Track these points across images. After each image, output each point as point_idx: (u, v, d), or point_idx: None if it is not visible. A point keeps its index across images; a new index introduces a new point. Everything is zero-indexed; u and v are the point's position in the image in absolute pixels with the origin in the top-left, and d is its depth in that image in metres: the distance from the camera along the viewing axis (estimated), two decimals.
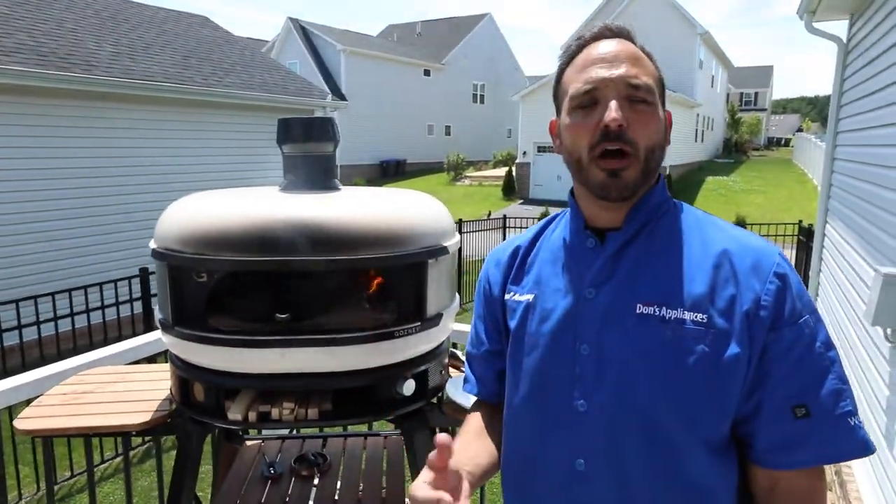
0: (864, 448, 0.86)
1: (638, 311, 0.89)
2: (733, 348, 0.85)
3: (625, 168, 0.89)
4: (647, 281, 0.91)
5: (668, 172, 19.75)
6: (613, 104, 0.88)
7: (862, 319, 3.43)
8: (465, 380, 1.18)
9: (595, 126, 0.89)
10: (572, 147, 0.93)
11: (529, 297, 1.01)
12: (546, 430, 0.96)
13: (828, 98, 5.89)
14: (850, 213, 4.57)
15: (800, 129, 47.51)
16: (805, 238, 8.19)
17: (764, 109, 42.35)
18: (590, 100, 0.90)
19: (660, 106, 0.93)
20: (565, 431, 0.93)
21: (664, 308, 0.88)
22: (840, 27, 5.41)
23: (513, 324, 1.03)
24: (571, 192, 1.02)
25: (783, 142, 41.59)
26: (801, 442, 0.86)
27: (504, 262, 1.09)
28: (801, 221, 9.21)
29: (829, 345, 0.88)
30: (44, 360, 4.14)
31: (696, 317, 0.86)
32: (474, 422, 1.11)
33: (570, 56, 0.97)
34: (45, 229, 6.59)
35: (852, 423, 0.86)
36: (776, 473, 0.89)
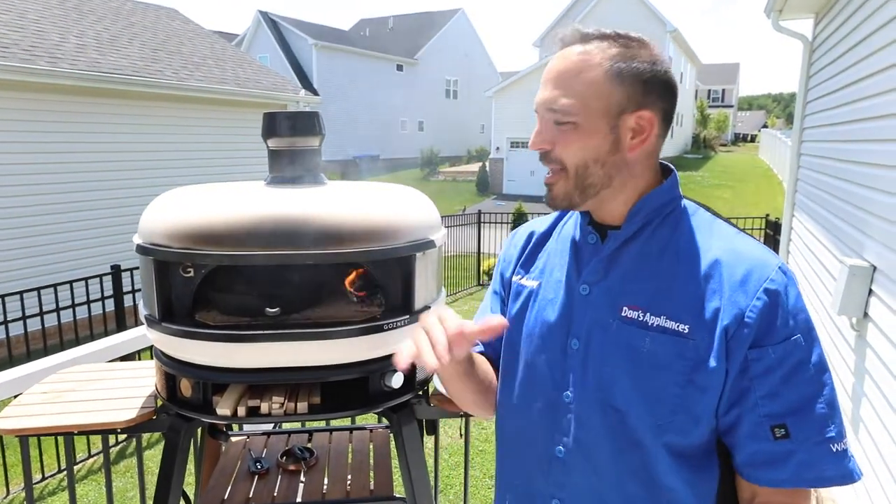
0: (846, 476, 0.85)
1: (623, 313, 0.91)
2: (710, 362, 0.85)
3: (554, 183, 0.94)
4: (636, 284, 0.91)
5: None
6: (534, 131, 0.94)
7: (828, 309, 3.56)
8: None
9: None
10: None
11: (534, 283, 1.03)
12: (535, 416, 0.99)
13: (792, 95, 6.05)
14: (815, 207, 4.71)
15: (765, 126, 48.65)
16: (772, 232, 8.40)
17: (731, 106, 43.23)
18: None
19: (596, 121, 0.89)
20: (551, 419, 0.97)
21: (648, 314, 0.89)
22: (805, 26, 5.56)
23: (514, 307, 1.05)
24: None
25: (749, 138, 42.55)
26: (779, 462, 0.85)
27: (520, 244, 1.11)
28: (768, 215, 9.43)
29: (821, 367, 0.86)
30: (12, 361, 4.04)
31: (677, 326, 0.87)
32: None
33: None
34: (10, 226, 6.40)
35: (835, 450, 0.84)
36: (756, 488, 0.90)
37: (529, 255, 1.08)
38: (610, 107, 0.89)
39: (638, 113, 0.90)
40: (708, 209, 1.00)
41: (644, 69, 0.89)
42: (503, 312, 1.11)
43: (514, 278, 1.08)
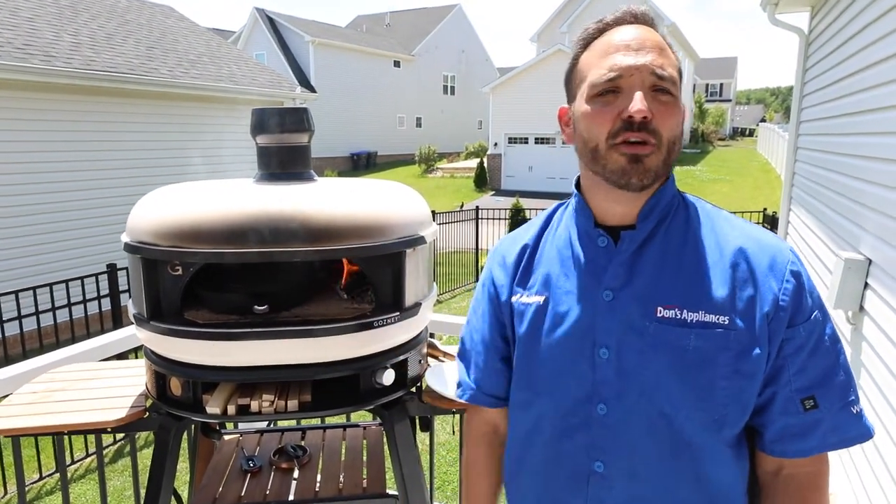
0: (865, 434, 0.90)
1: (658, 314, 0.88)
2: (755, 349, 0.86)
3: (648, 154, 0.86)
4: (666, 282, 0.89)
5: None
6: (639, 94, 0.84)
7: (824, 303, 3.54)
8: (460, 385, 1.14)
9: (616, 115, 0.86)
10: (588, 135, 0.90)
11: (539, 299, 0.98)
12: (564, 434, 0.95)
13: (791, 89, 6.04)
14: (812, 201, 4.70)
15: (763, 120, 48.63)
16: (770, 226, 8.40)
17: (729, 100, 43.17)
18: (612, 88, 0.87)
19: (680, 99, 0.90)
20: (584, 435, 0.93)
21: (685, 311, 0.87)
22: (802, 19, 5.55)
23: (522, 328, 1.00)
24: (577, 185, 0.99)
25: (748, 132, 42.51)
26: (808, 432, 0.88)
27: (510, 262, 1.05)
28: (765, 209, 9.44)
29: (835, 338, 0.90)
30: (8, 361, 4.02)
31: (717, 319, 0.86)
32: (486, 461, 1.14)
33: (587, 41, 0.93)
34: (6, 226, 6.39)
35: (855, 412, 0.89)
36: (783, 460, 0.91)
37: (525, 270, 1.02)
38: (680, 90, 0.90)
39: (682, 103, 0.93)
40: (700, 199, 0.99)
41: (682, 69, 0.93)
42: (502, 344, 1.06)
43: (514, 298, 1.02)
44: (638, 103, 0.84)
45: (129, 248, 1.38)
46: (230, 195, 1.39)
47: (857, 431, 0.89)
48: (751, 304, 0.86)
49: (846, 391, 0.89)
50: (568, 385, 0.94)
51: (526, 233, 1.06)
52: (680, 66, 0.91)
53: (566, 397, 0.94)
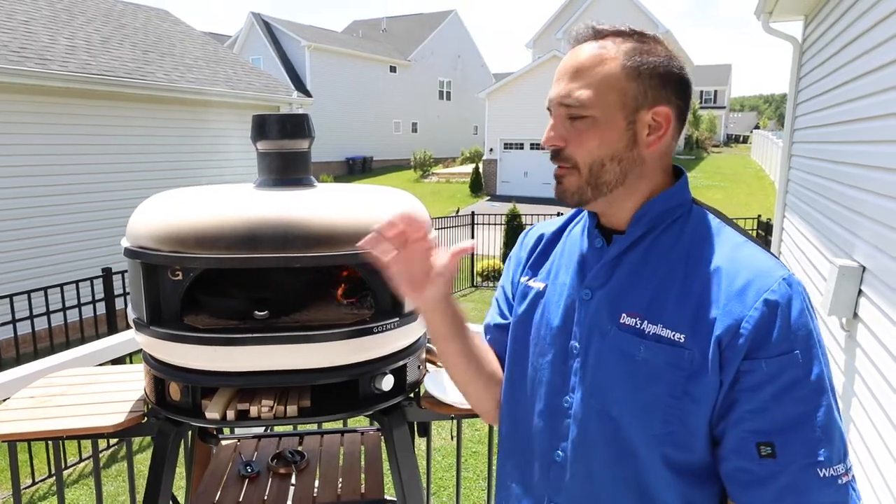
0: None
1: (621, 320, 0.89)
2: (703, 373, 0.82)
3: (563, 176, 0.92)
4: (636, 291, 0.89)
5: None
6: (549, 125, 0.92)
7: (819, 310, 3.57)
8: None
9: None
10: None
11: (541, 285, 1.03)
12: (537, 418, 0.99)
13: (784, 96, 6.08)
14: (806, 208, 4.73)
15: (757, 127, 48.93)
16: (764, 232, 8.44)
17: (723, 107, 43.41)
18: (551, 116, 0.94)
19: (613, 116, 0.87)
20: (551, 423, 0.96)
21: (645, 321, 0.87)
22: (796, 27, 5.60)
23: (521, 308, 1.05)
24: None
25: (741, 139, 42.76)
26: (762, 482, 0.81)
27: (529, 245, 1.11)
28: (759, 216, 9.48)
29: (819, 388, 0.80)
30: (2, 365, 4.00)
31: (673, 335, 0.84)
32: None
33: None
34: (1, 229, 6.35)
35: (822, 475, 0.79)
36: None
37: (539, 257, 1.07)
38: (627, 101, 0.87)
39: (654, 109, 0.88)
40: (718, 214, 0.95)
41: (660, 64, 0.88)
42: (503, 316, 1.10)
43: (522, 279, 1.07)
44: (546, 134, 0.91)
45: (130, 252, 1.38)
46: (231, 201, 1.39)
47: (823, 498, 0.79)
48: (709, 326, 0.82)
49: (814, 448, 0.79)
50: (545, 372, 0.98)
51: (551, 224, 1.11)
52: (630, 70, 0.87)
53: (543, 383, 0.98)
